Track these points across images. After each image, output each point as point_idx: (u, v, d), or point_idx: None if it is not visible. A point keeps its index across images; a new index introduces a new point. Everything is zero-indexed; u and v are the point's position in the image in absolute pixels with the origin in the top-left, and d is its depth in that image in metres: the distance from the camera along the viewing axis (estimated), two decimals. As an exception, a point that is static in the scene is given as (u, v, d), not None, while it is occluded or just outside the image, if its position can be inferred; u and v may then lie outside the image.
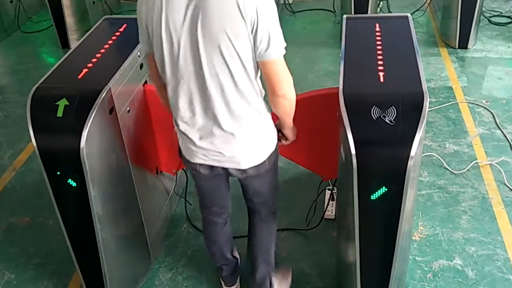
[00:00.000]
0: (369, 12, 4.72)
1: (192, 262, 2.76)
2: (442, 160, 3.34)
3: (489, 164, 3.31)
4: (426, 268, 2.63)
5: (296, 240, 2.84)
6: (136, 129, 2.40)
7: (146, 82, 2.50)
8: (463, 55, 4.71)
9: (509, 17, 5.36)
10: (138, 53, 2.41)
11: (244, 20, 1.62)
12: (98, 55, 2.34)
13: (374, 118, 1.86)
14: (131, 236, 2.51)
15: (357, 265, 2.14)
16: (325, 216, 2.89)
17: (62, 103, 2.02)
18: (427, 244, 2.77)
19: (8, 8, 5.75)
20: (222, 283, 2.53)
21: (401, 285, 2.37)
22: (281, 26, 1.73)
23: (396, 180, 1.88)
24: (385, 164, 1.88)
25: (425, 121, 1.84)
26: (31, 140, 2.03)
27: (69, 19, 5.20)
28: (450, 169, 3.28)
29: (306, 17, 5.81)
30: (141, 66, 2.44)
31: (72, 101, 2.02)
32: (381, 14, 5.05)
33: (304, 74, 4.48)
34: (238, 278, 2.54)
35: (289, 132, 2.08)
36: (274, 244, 2.34)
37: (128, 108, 2.30)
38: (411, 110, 1.86)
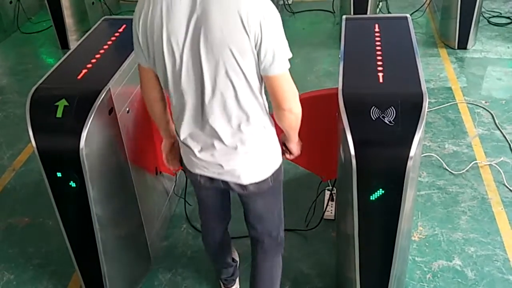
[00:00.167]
0: (368, 12, 4.72)
1: (192, 263, 2.76)
2: (442, 161, 3.34)
3: (489, 164, 3.31)
4: (425, 269, 2.63)
5: (295, 241, 2.84)
6: (136, 130, 2.40)
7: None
8: (462, 56, 4.72)
9: (508, 17, 5.37)
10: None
11: (248, 35, 1.56)
12: (97, 56, 2.34)
13: (374, 119, 1.86)
14: (130, 236, 2.51)
15: (357, 266, 2.14)
16: (324, 217, 2.89)
17: (62, 103, 2.02)
18: (427, 244, 2.77)
19: (8, 8, 5.75)
20: (222, 285, 2.53)
21: (400, 285, 2.37)
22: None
23: (396, 180, 1.88)
24: (385, 164, 1.89)
25: (424, 121, 1.85)
26: (30, 141, 2.03)
27: (69, 20, 5.20)
28: (449, 170, 3.28)
29: (306, 18, 5.81)
30: (141, 66, 2.44)
31: (72, 102, 2.02)
32: (381, 15, 5.07)
33: (303, 74, 4.49)
34: (238, 279, 2.54)
35: (294, 146, 2.01)
36: (279, 279, 2.21)
37: (127, 109, 2.30)
38: (410, 111, 1.86)
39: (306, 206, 2.96)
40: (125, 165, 2.34)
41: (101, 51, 2.39)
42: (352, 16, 4.25)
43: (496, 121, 3.72)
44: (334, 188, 2.89)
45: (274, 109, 1.76)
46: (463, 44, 4.78)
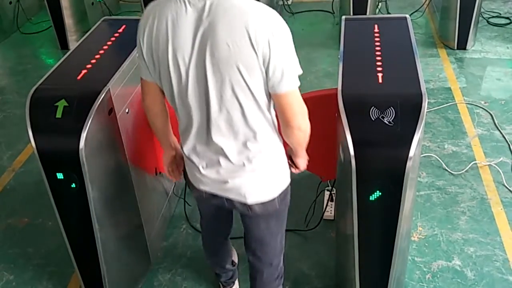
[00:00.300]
0: (367, 13, 4.72)
1: (191, 263, 2.77)
2: (441, 161, 3.34)
3: (488, 165, 3.31)
4: (425, 269, 2.63)
5: (295, 241, 2.84)
6: (135, 130, 2.40)
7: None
8: (461, 56, 4.72)
9: (507, 18, 5.37)
10: (137, 54, 2.40)
11: (256, 53, 1.49)
12: (97, 56, 2.34)
13: (373, 119, 1.87)
14: (130, 237, 2.51)
15: (356, 266, 2.14)
16: (324, 217, 2.89)
17: (61, 104, 2.02)
18: (426, 244, 2.77)
19: (7, 9, 5.75)
20: (221, 287, 2.52)
21: (400, 285, 2.37)
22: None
23: (395, 181, 1.88)
24: (384, 165, 1.89)
25: (423, 122, 1.85)
26: (30, 141, 2.03)
27: (68, 20, 5.20)
28: (449, 170, 3.28)
29: (305, 18, 5.81)
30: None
31: (71, 102, 2.02)
32: (380, 15, 5.08)
33: (303, 75, 4.46)
34: (237, 279, 2.54)
35: (301, 161, 1.95)
36: None
37: (127, 109, 2.30)
38: (409, 111, 1.86)
39: (305, 206, 2.96)
40: (125, 165, 2.34)
41: (101, 52, 2.39)
42: (351, 16, 4.25)
43: (496, 122, 3.72)
44: (333, 189, 2.89)
45: (282, 126, 1.71)
46: (462, 45, 4.78)
